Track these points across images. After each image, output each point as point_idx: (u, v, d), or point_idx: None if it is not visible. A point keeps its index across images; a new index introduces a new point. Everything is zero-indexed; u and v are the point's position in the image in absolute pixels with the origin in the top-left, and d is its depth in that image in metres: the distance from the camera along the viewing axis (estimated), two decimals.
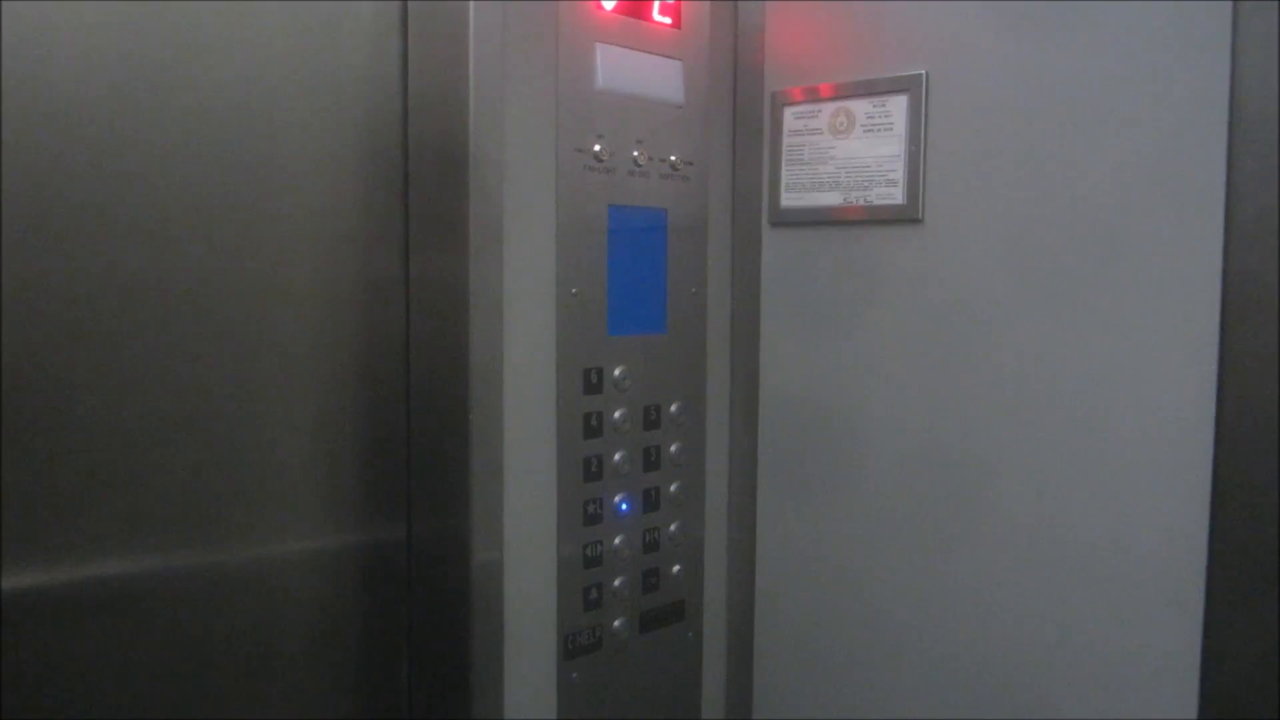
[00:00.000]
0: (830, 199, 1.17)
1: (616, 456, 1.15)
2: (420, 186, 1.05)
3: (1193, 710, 0.95)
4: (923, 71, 1.09)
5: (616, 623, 1.17)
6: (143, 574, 0.92)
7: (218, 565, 0.97)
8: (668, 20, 1.17)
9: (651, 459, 1.19)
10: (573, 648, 1.13)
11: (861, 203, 1.14)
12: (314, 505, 1.03)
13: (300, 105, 0.99)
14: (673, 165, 1.18)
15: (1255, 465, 0.90)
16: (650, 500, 1.20)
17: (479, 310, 1.01)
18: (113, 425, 0.89)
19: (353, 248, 1.04)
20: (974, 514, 1.08)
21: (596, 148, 1.10)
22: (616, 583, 1.16)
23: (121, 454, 0.90)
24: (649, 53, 1.16)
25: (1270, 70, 0.87)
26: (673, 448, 1.22)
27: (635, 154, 1.14)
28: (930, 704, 1.13)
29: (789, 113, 1.21)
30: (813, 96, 1.19)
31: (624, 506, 1.17)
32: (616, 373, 1.15)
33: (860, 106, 1.14)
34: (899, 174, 1.11)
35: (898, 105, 1.11)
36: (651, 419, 1.19)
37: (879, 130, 1.13)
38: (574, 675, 1.13)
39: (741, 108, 1.26)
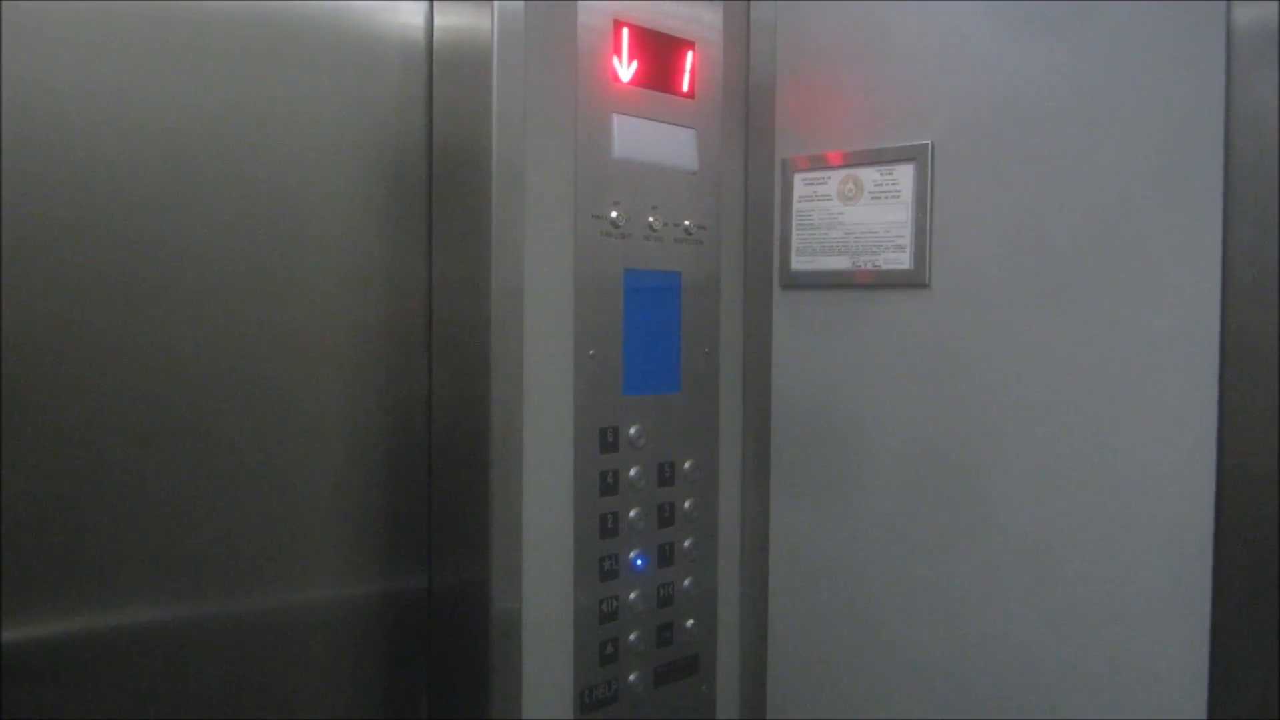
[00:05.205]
0: (839, 263, 1.21)
1: (632, 513, 1.18)
2: (444, 250, 1.09)
3: (1202, 712, 0.96)
4: (929, 141, 1.13)
5: (632, 677, 1.19)
6: (163, 623, 0.96)
7: (242, 614, 1.00)
8: (682, 91, 1.22)
9: (666, 515, 1.22)
10: (589, 701, 1.15)
11: (870, 267, 1.18)
12: (338, 555, 1.07)
13: (329, 184, 1.04)
14: (686, 229, 1.22)
15: (1260, 468, 0.92)
16: (665, 555, 1.22)
17: (500, 371, 1.05)
18: (136, 476, 0.93)
19: (379, 303, 1.08)
20: (980, 564, 1.10)
21: (613, 214, 1.14)
22: (632, 637, 1.19)
23: (145, 504, 0.94)
24: (664, 122, 1.20)
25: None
26: (686, 504, 1.24)
27: (650, 219, 1.18)
28: None
29: (799, 179, 1.25)
30: (822, 164, 1.23)
31: (639, 562, 1.19)
32: (632, 431, 1.18)
33: (868, 174, 1.18)
34: (906, 239, 1.15)
35: (904, 174, 1.15)
36: (666, 476, 1.22)
37: (886, 198, 1.16)
38: None
39: (753, 174, 1.30)
